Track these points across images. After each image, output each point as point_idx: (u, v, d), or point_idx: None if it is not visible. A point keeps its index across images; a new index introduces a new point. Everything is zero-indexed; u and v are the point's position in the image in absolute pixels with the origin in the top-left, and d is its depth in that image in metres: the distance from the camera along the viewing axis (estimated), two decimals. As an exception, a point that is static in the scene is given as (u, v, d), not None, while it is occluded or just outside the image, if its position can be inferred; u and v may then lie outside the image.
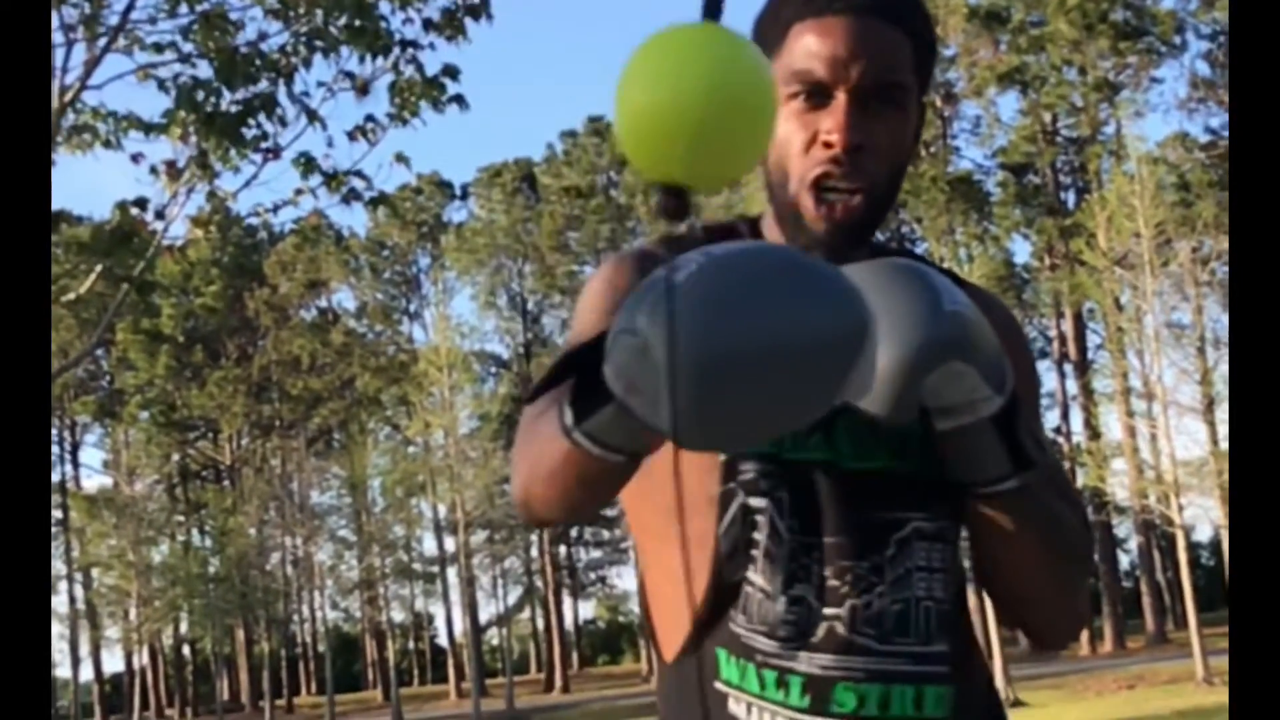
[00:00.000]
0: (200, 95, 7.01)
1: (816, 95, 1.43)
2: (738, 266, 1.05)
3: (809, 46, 1.43)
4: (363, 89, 7.36)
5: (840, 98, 1.42)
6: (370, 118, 7.42)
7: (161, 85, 7.09)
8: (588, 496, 1.33)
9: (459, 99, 7.53)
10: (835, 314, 1.05)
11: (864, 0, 1.43)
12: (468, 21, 7.46)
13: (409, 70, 7.37)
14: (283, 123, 7.19)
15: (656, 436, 1.13)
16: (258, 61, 7.06)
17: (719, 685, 1.45)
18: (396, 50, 7.30)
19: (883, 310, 1.22)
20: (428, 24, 7.38)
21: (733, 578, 1.43)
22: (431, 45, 7.45)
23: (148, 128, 7.28)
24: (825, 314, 1.04)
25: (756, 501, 1.42)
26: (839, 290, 1.06)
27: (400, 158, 7.75)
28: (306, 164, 7.40)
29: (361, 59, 7.26)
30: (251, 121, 7.10)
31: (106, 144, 7.27)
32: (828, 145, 1.42)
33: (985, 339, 1.29)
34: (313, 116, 7.23)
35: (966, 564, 1.53)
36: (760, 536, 1.42)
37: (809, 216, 1.43)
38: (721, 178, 1.04)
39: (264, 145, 7.23)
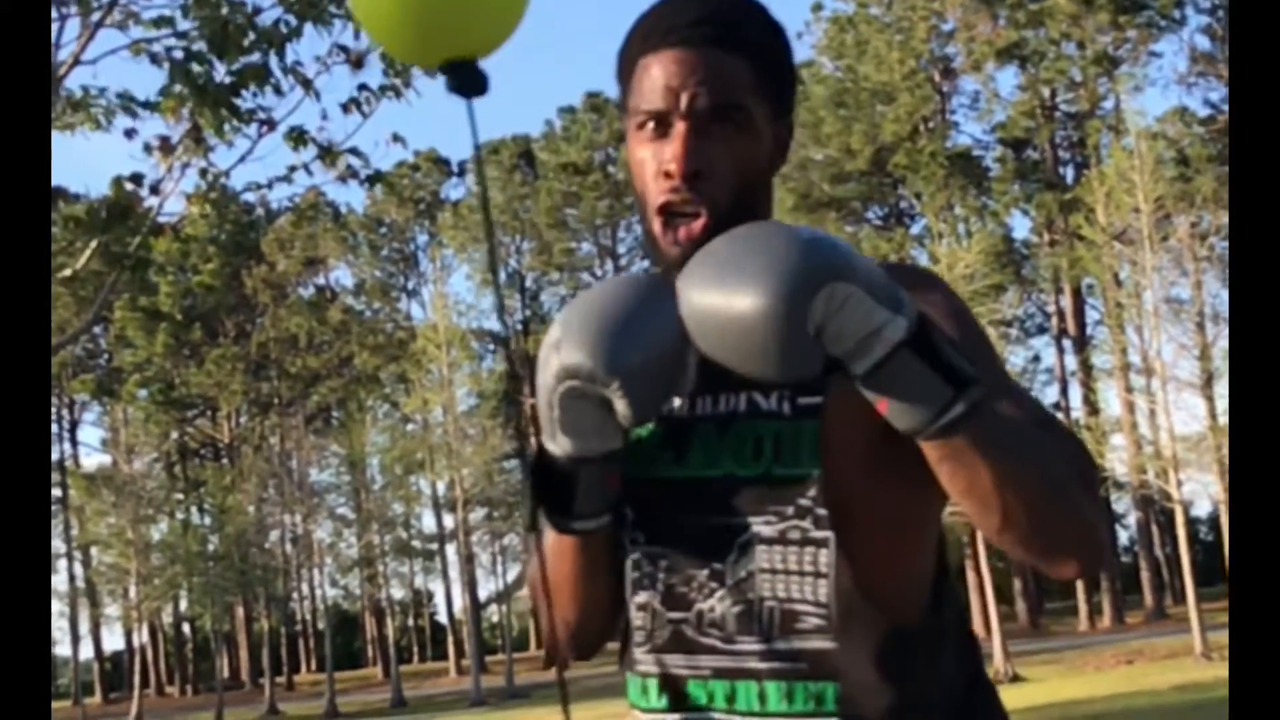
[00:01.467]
0: (194, 67, 6.97)
1: (659, 124, 1.51)
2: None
3: (648, 79, 1.51)
4: (357, 62, 7.32)
5: (679, 126, 1.49)
6: (364, 87, 7.39)
7: (154, 60, 7.06)
8: (598, 582, 1.57)
9: None
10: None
11: (696, 32, 1.50)
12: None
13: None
14: (278, 91, 7.16)
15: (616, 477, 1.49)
16: (251, 34, 7.02)
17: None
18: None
19: (745, 261, 1.29)
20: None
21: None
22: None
23: (135, 112, 7.25)
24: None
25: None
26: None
27: (397, 137, 7.72)
28: (299, 137, 7.37)
29: (357, 34, 7.23)
30: (245, 93, 7.07)
31: (96, 124, 7.23)
32: (667, 175, 1.49)
33: (862, 261, 1.30)
34: (307, 85, 7.19)
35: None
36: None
37: (660, 241, 1.51)
38: (488, 42, 1.18)
39: (258, 117, 7.19)
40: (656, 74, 1.50)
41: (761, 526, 1.47)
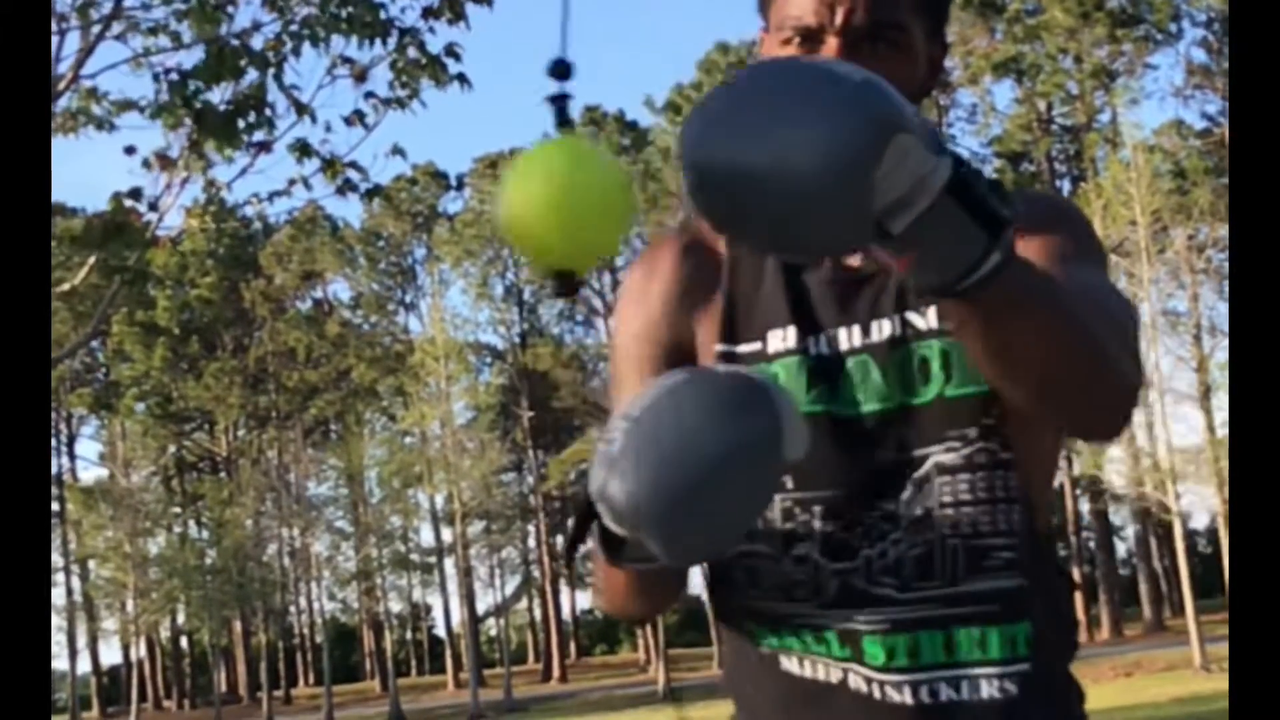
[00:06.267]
0: (191, 88, 6.97)
1: (807, 42, 1.36)
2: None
3: None
4: (360, 75, 7.33)
5: (830, 43, 1.35)
6: (370, 94, 7.38)
7: (155, 79, 7.07)
8: (667, 594, 1.47)
9: (461, 77, 7.46)
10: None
11: None
12: (468, 6, 7.42)
13: (411, 52, 7.32)
14: (272, 125, 7.16)
15: None
16: (245, 57, 7.01)
17: (764, 649, 1.44)
18: (395, 36, 7.26)
19: (793, 107, 1.01)
20: (428, 11, 7.34)
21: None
22: (431, 30, 7.40)
23: (140, 109, 7.26)
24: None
25: None
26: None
27: (397, 150, 7.73)
28: (302, 149, 7.38)
29: (361, 44, 7.22)
30: (242, 120, 7.07)
31: (100, 125, 7.23)
32: None
33: (906, 102, 1.05)
34: (302, 110, 7.20)
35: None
36: None
37: None
38: (590, 257, 1.23)
39: (256, 138, 7.19)
40: None
41: (942, 455, 1.35)
